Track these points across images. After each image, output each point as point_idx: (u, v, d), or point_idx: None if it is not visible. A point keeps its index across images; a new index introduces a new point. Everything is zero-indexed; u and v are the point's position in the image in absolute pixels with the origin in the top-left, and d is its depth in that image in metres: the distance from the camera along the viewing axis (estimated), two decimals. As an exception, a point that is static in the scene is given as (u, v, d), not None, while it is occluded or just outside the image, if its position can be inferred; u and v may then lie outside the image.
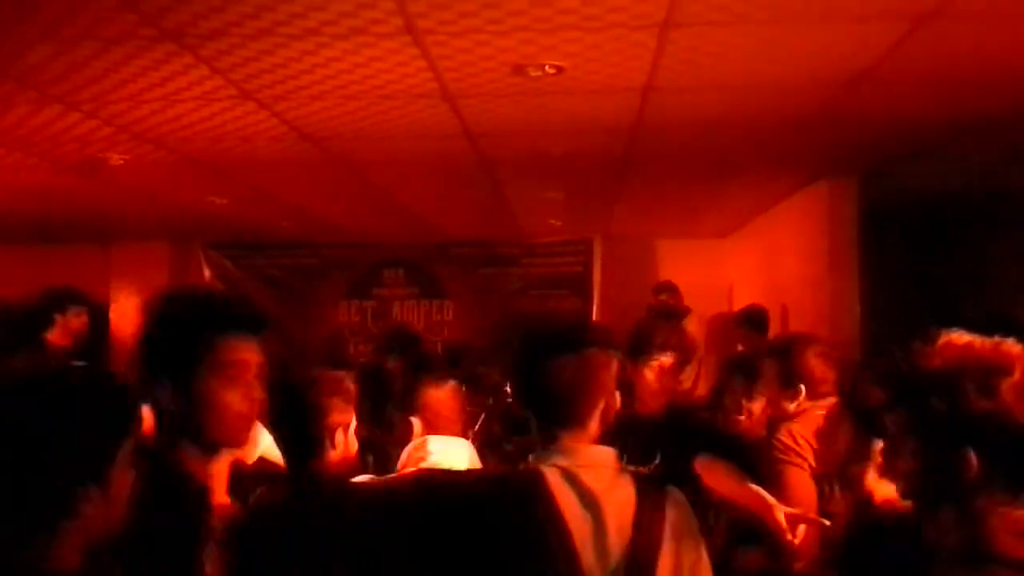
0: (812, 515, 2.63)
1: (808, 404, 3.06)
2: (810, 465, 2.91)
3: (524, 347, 2.05)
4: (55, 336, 5.99)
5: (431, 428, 2.84)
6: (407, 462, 2.72)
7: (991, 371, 1.71)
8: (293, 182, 6.04)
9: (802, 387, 3.16)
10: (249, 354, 1.77)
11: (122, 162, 5.20)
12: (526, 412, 2.00)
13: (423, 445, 2.74)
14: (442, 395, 2.92)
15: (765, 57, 3.46)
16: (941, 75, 3.74)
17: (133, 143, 4.79)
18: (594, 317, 9.17)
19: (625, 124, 4.49)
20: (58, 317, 5.92)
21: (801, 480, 2.87)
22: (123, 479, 1.45)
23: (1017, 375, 1.66)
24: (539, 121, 4.43)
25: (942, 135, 4.81)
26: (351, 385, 2.52)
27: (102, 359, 6.75)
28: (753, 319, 6.56)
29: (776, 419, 3.10)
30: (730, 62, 3.52)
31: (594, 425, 1.93)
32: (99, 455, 1.42)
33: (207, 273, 9.32)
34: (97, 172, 5.53)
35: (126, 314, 9.27)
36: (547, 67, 3.52)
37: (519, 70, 3.55)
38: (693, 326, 7.65)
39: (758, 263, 8.05)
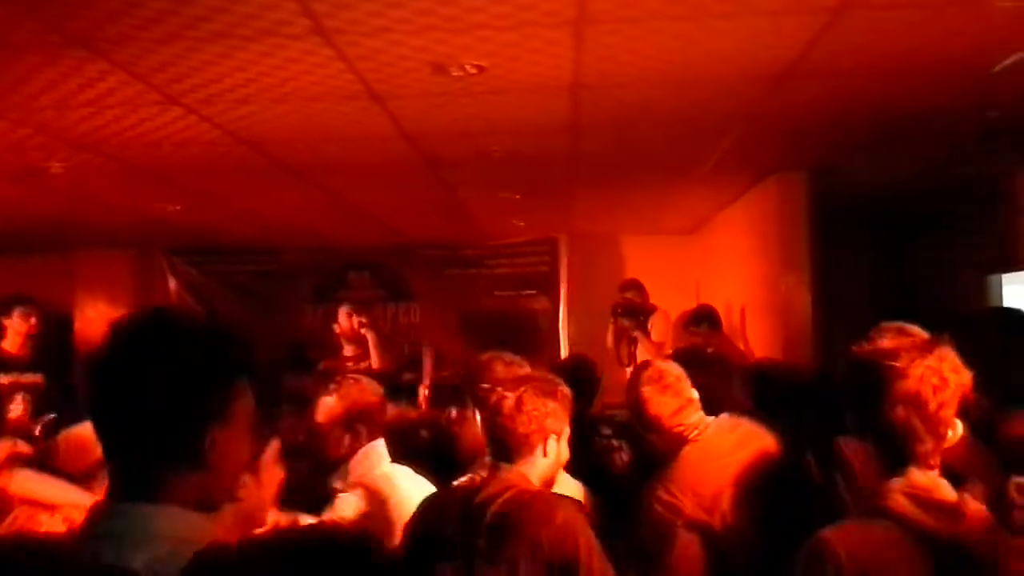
0: None
1: None
2: None
3: None
4: (9, 344, 5.92)
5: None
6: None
7: None
8: (241, 187, 6.00)
9: None
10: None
11: (63, 170, 5.15)
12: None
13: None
14: None
15: (686, 53, 3.44)
16: (867, 67, 3.72)
17: (70, 151, 4.74)
18: (562, 316, 9.16)
19: (562, 123, 4.46)
20: (5, 321, 5.86)
21: None
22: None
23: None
24: (475, 122, 4.40)
25: (884, 128, 4.80)
26: None
27: (68, 370, 6.68)
28: (706, 317, 6.54)
29: None
30: (652, 59, 3.49)
31: None
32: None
33: (172, 282, 9.26)
34: (40, 181, 5.47)
35: (92, 323, 9.21)
36: (468, 67, 3.49)
37: (440, 70, 3.52)
38: (659, 324, 7.63)
39: (721, 260, 8.04)
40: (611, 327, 7.49)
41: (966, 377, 1.83)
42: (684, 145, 5.10)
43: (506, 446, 2.37)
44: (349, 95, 3.85)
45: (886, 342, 1.88)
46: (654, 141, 4.97)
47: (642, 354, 7.32)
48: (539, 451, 2.36)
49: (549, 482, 2.41)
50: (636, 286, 7.81)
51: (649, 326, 7.49)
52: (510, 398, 2.36)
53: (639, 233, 9.11)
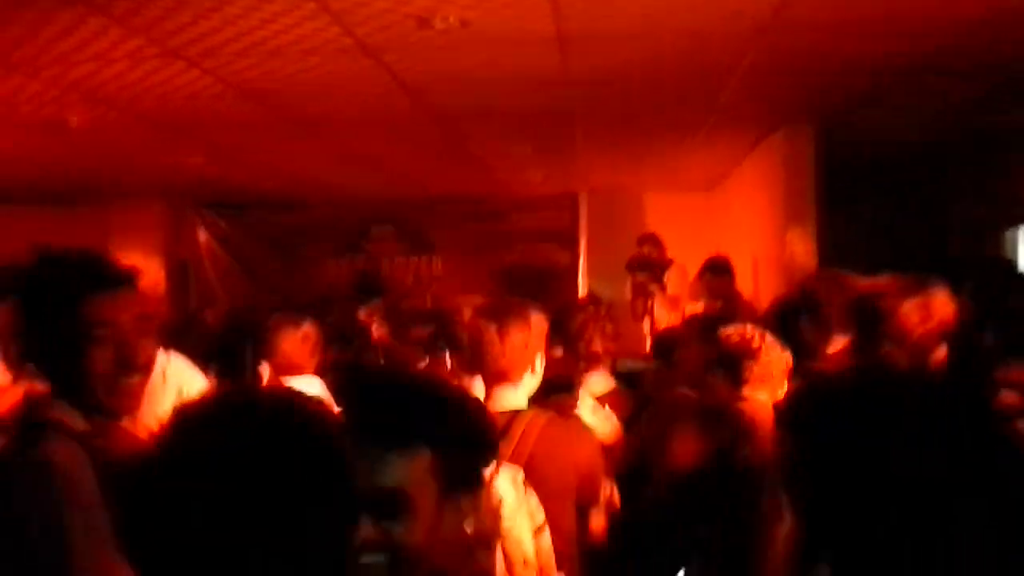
0: None
1: None
2: None
3: None
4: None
5: (281, 372, 2.95)
6: None
7: None
8: (257, 142, 6.14)
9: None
10: (116, 312, 1.69)
11: (82, 123, 5.32)
12: None
13: None
14: (296, 338, 3.02)
15: (665, 4, 3.47)
16: (852, 17, 3.71)
17: (85, 105, 4.91)
18: (581, 270, 9.24)
19: (557, 76, 4.50)
20: None
21: None
22: None
23: None
24: (472, 74, 4.47)
25: (884, 81, 4.77)
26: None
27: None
28: (720, 267, 6.54)
29: None
30: (631, 10, 3.53)
31: None
32: None
33: (202, 234, 9.51)
34: (64, 134, 5.66)
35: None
36: (451, 19, 3.57)
37: (424, 23, 3.60)
38: (675, 278, 7.67)
39: (737, 215, 8.03)
40: (629, 281, 7.56)
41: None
42: (681, 98, 5.12)
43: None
44: (341, 49, 3.94)
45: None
46: (651, 94, 5.00)
47: (658, 308, 7.39)
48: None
49: None
50: (653, 240, 7.83)
51: (665, 280, 7.55)
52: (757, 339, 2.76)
53: (658, 189, 9.11)
